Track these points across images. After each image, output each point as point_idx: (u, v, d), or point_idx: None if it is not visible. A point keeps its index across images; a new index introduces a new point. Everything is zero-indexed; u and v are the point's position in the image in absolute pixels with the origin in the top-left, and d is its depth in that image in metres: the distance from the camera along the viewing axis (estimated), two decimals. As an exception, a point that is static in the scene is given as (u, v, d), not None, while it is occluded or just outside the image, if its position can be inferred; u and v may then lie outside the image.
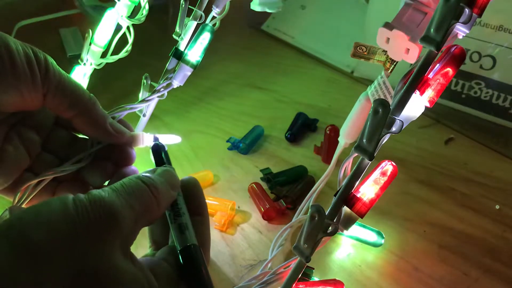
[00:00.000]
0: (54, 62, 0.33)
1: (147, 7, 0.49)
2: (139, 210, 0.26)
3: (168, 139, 0.42)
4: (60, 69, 0.33)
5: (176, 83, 0.45)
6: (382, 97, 0.39)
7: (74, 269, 0.22)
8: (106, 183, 0.38)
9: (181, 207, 0.30)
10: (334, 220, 0.31)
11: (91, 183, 0.37)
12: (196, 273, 0.28)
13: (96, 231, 0.23)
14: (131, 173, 0.37)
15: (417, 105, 0.31)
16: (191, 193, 0.32)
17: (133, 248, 0.27)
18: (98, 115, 0.35)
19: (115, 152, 0.38)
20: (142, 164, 0.47)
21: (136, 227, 0.26)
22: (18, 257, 0.21)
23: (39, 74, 0.31)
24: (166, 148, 0.36)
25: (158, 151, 0.35)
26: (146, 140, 0.40)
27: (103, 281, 0.23)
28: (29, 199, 0.35)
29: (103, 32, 0.50)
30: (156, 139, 0.37)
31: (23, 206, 0.35)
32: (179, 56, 0.44)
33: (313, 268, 0.36)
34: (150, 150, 0.36)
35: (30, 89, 0.31)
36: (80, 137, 0.39)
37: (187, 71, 0.45)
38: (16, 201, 0.34)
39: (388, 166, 0.33)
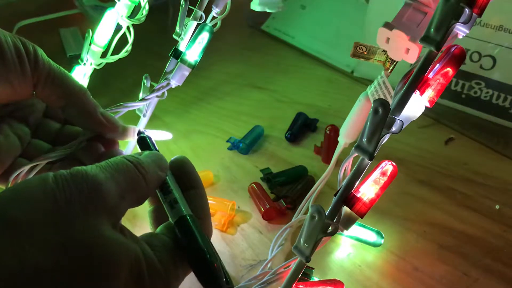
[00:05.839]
0: (44, 52, 0.33)
1: (147, 7, 0.48)
2: (125, 185, 0.26)
3: (159, 135, 0.42)
4: (50, 59, 0.34)
5: (174, 83, 0.45)
6: (382, 97, 0.39)
7: (59, 241, 0.21)
8: None
9: (169, 185, 0.30)
10: (334, 220, 0.31)
11: (84, 161, 0.37)
12: (191, 239, 0.27)
13: (78, 203, 0.23)
14: (119, 153, 0.37)
15: (417, 105, 0.31)
16: (182, 169, 0.32)
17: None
18: (89, 105, 0.35)
19: (104, 143, 0.38)
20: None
21: (123, 202, 0.26)
22: None
23: (29, 65, 0.31)
24: (153, 139, 0.36)
25: (145, 142, 0.35)
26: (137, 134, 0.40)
27: (92, 251, 0.22)
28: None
29: (103, 32, 0.50)
30: (140, 132, 0.37)
31: None
32: (179, 56, 0.44)
33: (313, 268, 0.36)
34: (136, 144, 0.36)
35: (20, 79, 0.31)
36: (69, 128, 0.39)
37: (185, 71, 0.45)
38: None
39: (388, 166, 0.33)
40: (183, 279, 0.28)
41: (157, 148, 0.35)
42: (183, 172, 0.32)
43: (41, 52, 0.33)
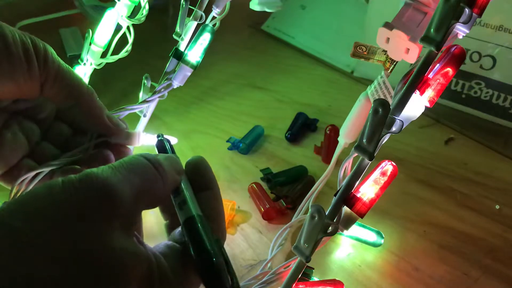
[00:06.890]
0: (54, 52, 0.33)
1: (147, 7, 0.48)
2: (140, 186, 0.24)
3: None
4: (60, 59, 0.34)
5: (176, 84, 0.45)
6: (382, 97, 0.39)
7: (65, 253, 0.20)
8: None
9: (179, 186, 0.29)
10: (334, 220, 0.31)
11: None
12: (196, 240, 0.25)
13: (88, 210, 0.22)
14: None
15: (417, 105, 0.31)
16: (199, 169, 0.31)
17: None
18: (95, 106, 0.35)
19: (112, 150, 0.38)
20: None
21: (137, 205, 0.24)
22: (1, 246, 0.20)
23: (37, 63, 0.31)
24: (171, 143, 0.35)
25: (163, 146, 0.34)
26: (142, 140, 0.39)
27: (100, 262, 0.21)
28: (25, 192, 0.34)
29: (103, 32, 0.50)
30: (160, 135, 0.36)
31: None
32: (179, 56, 0.44)
33: (313, 268, 0.36)
34: (155, 147, 0.35)
35: (26, 77, 0.31)
36: (80, 132, 0.39)
37: (187, 72, 0.45)
38: (12, 195, 0.34)
39: (388, 166, 0.33)
40: (198, 287, 0.26)
41: (175, 153, 0.34)
42: (198, 173, 0.31)
43: (51, 50, 0.33)
